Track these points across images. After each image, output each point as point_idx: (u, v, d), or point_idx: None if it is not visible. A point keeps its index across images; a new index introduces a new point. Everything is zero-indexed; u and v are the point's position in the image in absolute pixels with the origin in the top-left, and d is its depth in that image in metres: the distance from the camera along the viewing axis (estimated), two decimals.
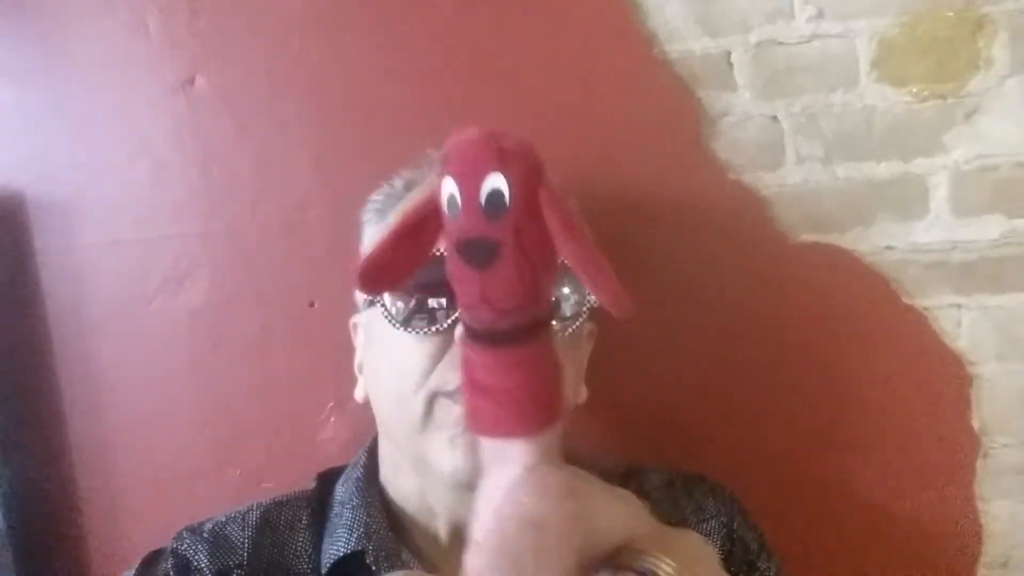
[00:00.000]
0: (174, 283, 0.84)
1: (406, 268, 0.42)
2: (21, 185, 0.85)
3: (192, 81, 0.82)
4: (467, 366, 0.40)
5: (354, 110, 0.80)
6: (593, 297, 0.59)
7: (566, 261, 0.38)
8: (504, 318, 0.37)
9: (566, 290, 0.60)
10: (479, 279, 0.37)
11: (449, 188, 0.37)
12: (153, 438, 0.85)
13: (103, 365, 0.86)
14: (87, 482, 0.86)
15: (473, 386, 0.39)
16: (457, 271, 0.38)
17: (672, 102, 0.74)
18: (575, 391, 0.64)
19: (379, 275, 0.42)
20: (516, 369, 0.38)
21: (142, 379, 0.85)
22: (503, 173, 0.36)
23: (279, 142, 0.82)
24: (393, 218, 0.64)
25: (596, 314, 0.62)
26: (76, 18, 0.83)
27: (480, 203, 0.36)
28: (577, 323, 0.60)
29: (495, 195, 0.36)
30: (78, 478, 0.86)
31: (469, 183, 0.36)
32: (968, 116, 0.71)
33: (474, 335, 0.39)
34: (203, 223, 0.83)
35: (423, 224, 0.40)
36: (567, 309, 0.60)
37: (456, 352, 0.53)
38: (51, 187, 0.85)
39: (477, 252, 0.37)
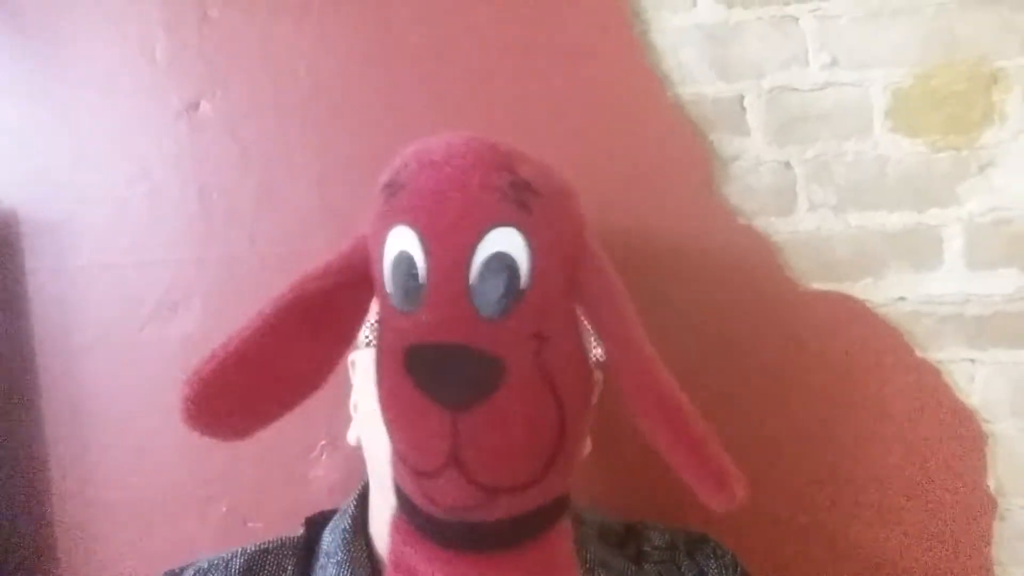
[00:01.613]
0: (166, 310, 0.79)
1: (279, 393, 0.25)
2: (15, 203, 0.81)
3: (196, 106, 0.78)
4: (409, 573, 0.22)
5: (360, 141, 0.76)
6: (601, 350, 0.49)
7: (628, 398, 0.23)
8: (490, 502, 0.20)
9: None
10: (450, 424, 0.20)
11: (401, 245, 0.20)
12: (137, 470, 0.79)
13: (89, 391, 0.80)
14: (65, 513, 0.80)
15: None
16: (407, 401, 0.20)
17: (684, 145, 0.71)
18: (580, 445, 0.58)
19: (219, 405, 0.24)
20: None
21: (129, 408, 0.80)
22: (519, 227, 0.20)
23: (282, 170, 0.78)
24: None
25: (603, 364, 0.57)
26: (84, 39, 0.80)
27: (469, 280, 0.20)
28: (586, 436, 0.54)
29: (501, 267, 0.19)
30: (56, 508, 0.80)
31: (448, 241, 0.19)
32: (982, 168, 0.68)
33: (426, 526, 0.21)
34: (199, 250, 0.78)
35: (325, 306, 0.24)
36: None
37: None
38: (46, 207, 0.81)
39: (452, 376, 0.20)
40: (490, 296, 0.18)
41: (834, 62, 0.69)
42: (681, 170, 0.71)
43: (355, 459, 0.65)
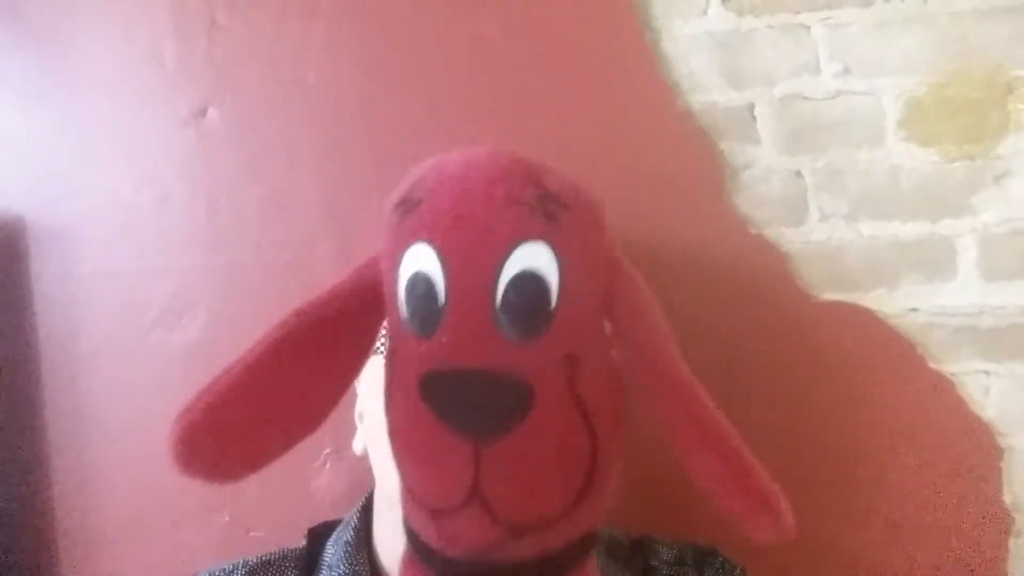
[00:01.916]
0: (172, 317, 0.78)
1: (274, 433, 0.22)
2: (22, 209, 0.80)
3: (204, 113, 0.78)
4: None
5: (368, 149, 0.75)
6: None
7: (664, 420, 0.20)
8: (514, 540, 0.18)
9: None
10: (472, 456, 0.18)
11: (419, 265, 0.19)
12: (140, 478, 0.78)
13: (93, 398, 0.79)
14: (67, 521, 0.79)
15: None
16: (423, 434, 0.19)
17: (694, 154, 0.70)
18: (611, 474, 0.57)
19: (210, 446, 0.22)
20: None
21: (132, 415, 0.79)
22: (548, 242, 0.19)
23: (289, 178, 0.77)
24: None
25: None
26: (92, 44, 0.79)
27: (494, 301, 0.18)
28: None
29: (530, 286, 0.18)
30: (58, 516, 0.79)
31: (471, 259, 0.18)
32: (998, 179, 0.66)
33: (442, 568, 0.19)
34: (205, 257, 0.78)
35: (328, 337, 0.21)
36: None
37: None
38: (52, 213, 0.80)
39: (477, 404, 0.18)
40: (518, 317, 0.16)
41: (846, 70, 0.68)
42: (692, 179, 0.70)
43: (359, 469, 0.64)
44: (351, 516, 0.62)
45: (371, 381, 0.59)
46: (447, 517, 0.18)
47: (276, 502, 0.76)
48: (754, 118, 0.69)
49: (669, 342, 0.21)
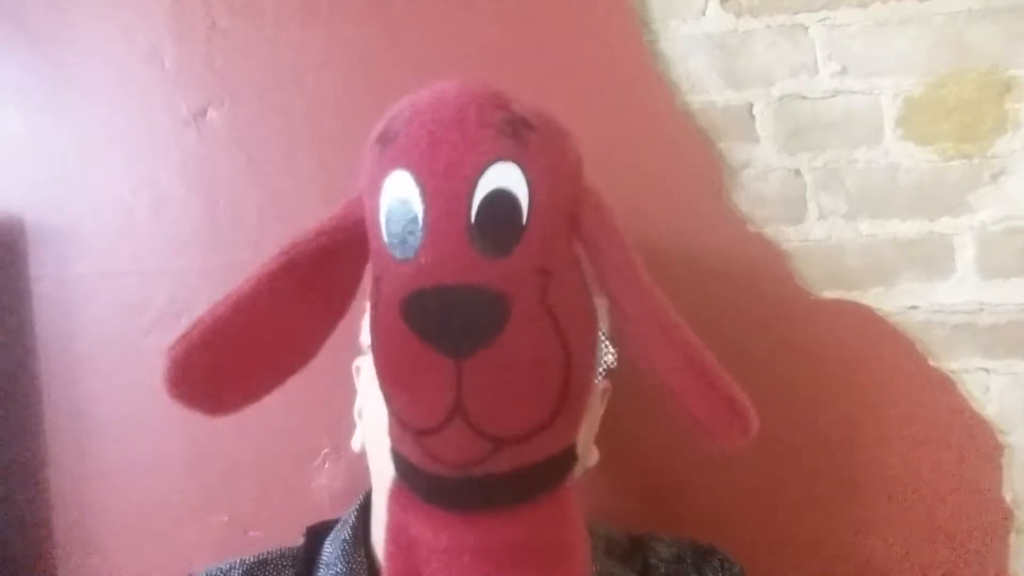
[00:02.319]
0: (170, 318, 0.77)
1: (269, 362, 0.23)
2: (20, 210, 0.79)
3: (204, 114, 0.77)
4: (409, 548, 0.20)
5: None
6: (611, 356, 0.47)
7: (633, 336, 0.21)
8: (496, 453, 0.19)
9: None
10: (454, 373, 0.18)
11: (398, 191, 0.19)
12: (137, 478, 0.77)
13: (91, 399, 0.78)
14: (64, 521, 0.78)
15: None
16: (405, 357, 0.19)
17: (694, 153, 0.70)
18: (585, 455, 0.56)
19: (205, 374, 0.22)
20: (511, 556, 0.19)
21: (131, 416, 0.78)
22: (518, 162, 0.19)
23: (289, 179, 0.76)
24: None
25: (612, 371, 0.55)
26: (91, 46, 0.79)
27: (469, 219, 0.19)
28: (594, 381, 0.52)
29: (502, 203, 0.19)
30: (55, 516, 0.78)
31: (445, 180, 0.19)
32: (995, 177, 0.66)
33: (429, 487, 0.20)
34: (204, 258, 0.77)
35: (318, 271, 0.22)
36: None
37: None
38: (51, 214, 0.79)
39: (457, 318, 0.19)
40: (491, 233, 0.17)
41: (844, 70, 0.68)
42: (691, 178, 0.70)
43: (358, 468, 0.63)
44: (349, 515, 0.61)
45: (370, 379, 0.58)
46: (432, 435, 0.19)
47: (275, 502, 0.75)
48: (753, 117, 0.69)
49: (634, 257, 0.22)
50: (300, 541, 0.61)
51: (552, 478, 0.21)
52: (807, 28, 0.68)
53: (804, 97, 0.68)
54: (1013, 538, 0.66)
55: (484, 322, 0.18)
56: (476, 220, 0.18)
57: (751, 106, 0.69)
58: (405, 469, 0.22)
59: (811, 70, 0.68)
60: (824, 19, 0.68)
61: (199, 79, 0.77)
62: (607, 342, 0.46)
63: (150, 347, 0.77)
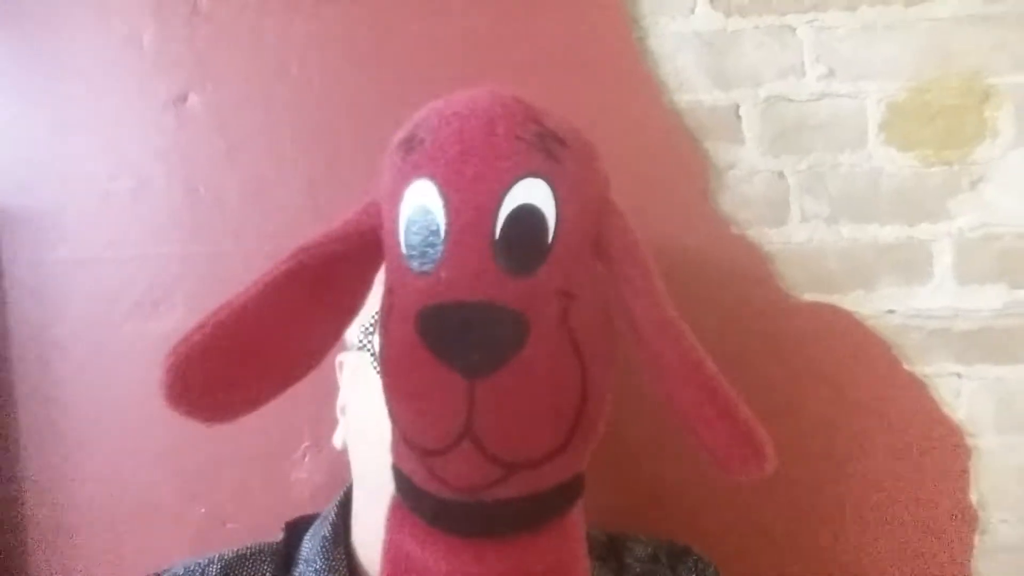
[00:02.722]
0: (148, 306, 0.76)
1: (272, 369, 0.22)
2: None
3: (184, 99, 0.75)
4: (405, 571, 0.20)
5: (351, 139, 0.74)
6: None
7: (650, 363, 0.20)
8: (505, 479, 0.19)
9: None
10: (466, 393, 0.18)
11: (420, 201, 0.19)
12: (113, 470, 0.76)
13: (65, 388, 0.77)
14: (38, 515, 0.76)
15: None
16: (417, 372, 0.19)
17: (680, 152, 0.69)
18: (600, 415, 0.56)
19: (205, 380, 0.21)
20: None
21: (106, 406, 0.76)
22: (547, 179, 0.19)
23: (270, 167, 0.75)
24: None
25: None
26: (68, 28, 0.76)
27: (493, 235, 0.19)
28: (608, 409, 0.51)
29: (528, 220, 0.18)
30: (29, 509, 0.77)
31: (471, 193, 0.18)
32: (973, 184, 0.67)
33: (432, 510, 0.19)
34: (184, 245, 0.75)
35: (327, 276, 0.21)
36: None
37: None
38: (25, 198, 0.77)
39: (473, 337, 0.18)
40: (516, 250, 0.17)
41: (830, 73, 0.68)
42: (676, 178, 0.69)
43: (339, 463, 0.63)
44: (329, 510, 0.61)
45: (353, 375, 0.58)
46: (439, 456, 0.18)
47: (253, 495, 0.74)
48: (739, 118, 0.69)
49: (659, 284, 0.21)
50: (279, 536, 0.61)
51: (560, 506, 0.20)
52: (795, 29, 0.68)
53: (790, 99, 0.68)
54: (978, 538, 0.68)
55: (502, 342, 0.17)
56: (501, 236, 0.17)
57: (738, 107, 0.69)
58: (407, 489, 0.21)
59: (798, 72, 0.68)
60: (812, 21, 0.68)
61: (180, 64, 0.75)
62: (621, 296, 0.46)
63: (127, 336, 0.76)
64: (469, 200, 0.17)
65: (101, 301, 0.76)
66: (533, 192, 0.18)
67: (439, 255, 0.17)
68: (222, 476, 0.75)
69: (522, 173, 0.18)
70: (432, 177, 0.18)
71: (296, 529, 0.61)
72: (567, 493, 0.20)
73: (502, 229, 0.17)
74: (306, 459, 0.74)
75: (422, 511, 0.20)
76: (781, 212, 0.69)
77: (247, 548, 0.59)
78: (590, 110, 0.71)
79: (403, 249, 0.18)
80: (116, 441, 0.76)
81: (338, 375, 0.61)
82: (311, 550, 0.57)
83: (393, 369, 0.20)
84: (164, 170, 0.76)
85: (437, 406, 0.18)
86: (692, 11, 0.69)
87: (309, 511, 0.64)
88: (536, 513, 0.19)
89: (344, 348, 0.60)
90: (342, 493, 0.61)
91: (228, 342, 0.22)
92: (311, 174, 0.74)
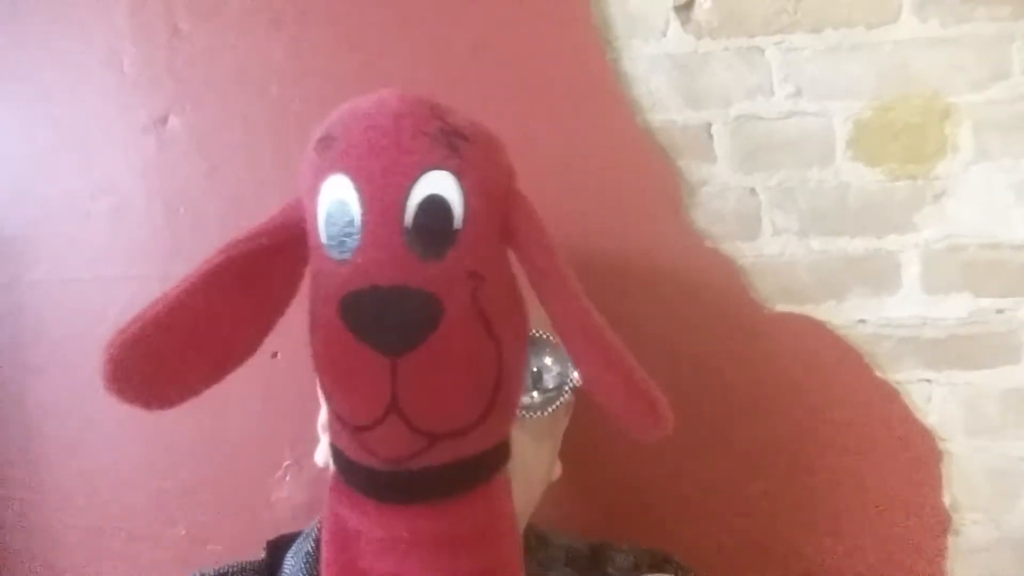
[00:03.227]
0: None
1: (208, 358, 0.23)
2: None
3: (165, 120, 0.76)
4: (347, 540, 0.22)
5: None
6: (577, 373, 0.48)
7: (560, 336, 0.23)
8: (430, 448, 0.21)
9: (547, 360, 0.50)
10: (389, 371, 0.20)
11: (336, 194, 0.21)
12: (92, 492, 0.75)
13: (42, 411, 0.76)
14: (16, 539, 0.75)
15: None
16: (343, 355, 0.21)
17: (654, 170, 0.71)
18: (550, 469, 0.57)
19: (143, 369, 0.23)
20: (444, 547, 0.21)
21: (84, 428, 0.76)
22: (451, 170, 0.21)
23: (251, 188, 0.75)
24: None
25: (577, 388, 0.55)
26: (48, 50, 0.77)
27: (404, 223, 0.20)
28: (560, 400, 0.52)
29: (435, 209, 0.20)
30: (5, 534, 0.75)
31: (382, 186, 0.20)
32: (937, 198, 0.69)
33: (365, 481, 0.22)
34: (164, 266, 0.76)
35: (256, 269, 0.23)
36: (549, 381, 0.51)
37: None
38: (3, 217, 0.77)
39: (392, 318, 0.20)
40: (426, 236, 0.19)
41: (798, 92, 0.70)
42: (652, 194, 0.71)
43: (320, 481, 0.63)
44: (312, 527, 0.60)
45: None
46: (368, 431, 0.20)
47: (235, 515, 0.74)
48: (711, 137, 0.71)
49: (562, 263, 0.24)
50: (261, 555, 0.61)
51: (485, 472, 0.22)
52: (764, 51, 0.70)
53: (760, 118, 0.70)
54: (950, 539, 0.69)
55: (418, 322, 0.19)
56: (412, 224, 0.19)
57: (709, 125, 0.71)
58: (343, 463, 0.23)
59: (767, 92, 0.70)
60: (780, 42, 0.70)
61: (160, 84, 0.76)
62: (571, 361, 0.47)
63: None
64: (380, 192, 0.19)
65: (80, 322, 0.76)
66: (439, 183, 0.20)
67: (356, 243, 0.19)
68: (202, 497, 0.74)
69: (428, 166, 0.20)
70: (346, 172, 0.20)
71: (278, 547, 0.61)
72: (490, 459, 0.22)
73: (413, 218, 0.19)
74: (287, 479, 0.74)
75: (356, 482, 0.21)
76: (753, 226, 0.71)
77: (228, 567, 0.59)
78: (567, 130, 0.72)
79: (323, 239, 0.20)
80: (94, 464, 0.75)
81: (319, 393, 0.61)
82: (294, 567, 0.57)
83: (321, 351, 0.22)
84: (144, 191, 0.76)
85: (363, 385, 0.20)
86: (664, 34, 0.71)
87: (291, 530, 0.63)
88: (461, 479, 0.21)
89: None
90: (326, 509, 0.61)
91: (163, 333, 0.24)
92: (290, 194, 0.75)
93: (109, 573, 0.74)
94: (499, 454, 0.23)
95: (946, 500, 0.69)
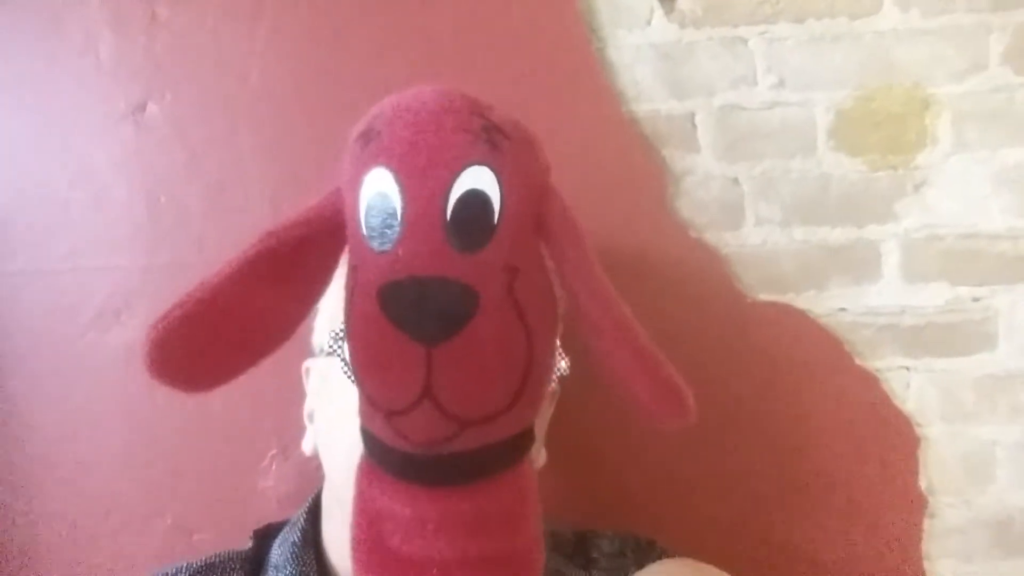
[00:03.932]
0: (109, 317, 0.75)
1: (246, 343, 0.24)
2: None
3: (143, 108, 0.75)
4: (376, 520, 0.23)
5: (314, 148, 0.74)
6: (565, 363, 0.49)
7: (588, 329, 0.23)
8: (461, 433, 0.21)
9: None
10: (424, 359, 0.20)
11: (378, 187, 0.21)
12: (75, 483, 0.75)
13: (22, 402, 0.75)
14: None
15: (385, 561, 0.22)
16: (379, 342, 0.21)
17: (638, 160, 0.71)
18: (535, 456, 0.58)
19: (184, 353, 0.24)
20: (471, 528, 0.22)
21: (66, 419, 0.75)
22: (491, 166, 0.21)
23: (233, 176, 0.75)
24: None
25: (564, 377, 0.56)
26: (24, 37, 0.75)
27: (444, 217, 0.21)
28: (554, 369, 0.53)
29: (475, 203, 0.21)
30: None
31: (424, 180, 0.21)
32: (917, 188, 0.70)
33: (396, 463, 0.22)
34: (145, 256, 0.75)
35: (294, 258, 0.24)
36: None
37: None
38: None
39: (429, 308, 0.21)
40: (464, 230, 0.20)
41: (781, 83, 0.71)
42: (636, 183, 0.71)
43: (306, 470, 0.63)
44: (298, 516, 0.61)
45: (322, 381, 0.58)
46: (402, 416, 0.21)
47: (221, 504, 0.73)
48: (694, 126, 0.72)
49: (593, 258, 0.25)
50: (248, 544, 0.61)
51: (512, 456, 0.23)
52: (747, 41, 0.71)
53: (743, 108, 0.71)
54: (927, 522, 0.71)
55: (455, 312, 0.20)
56: (451, 218, 0.20)
57: (693, 115, 0.71)
58: (374, 446, 0.23)
59: (750, 82, 0.71)
60: (763, 32, 0.71)
61: (138, 72, 0.75)
62: (560, 350, 0.48)
63: (86, 348, 0.75)
64: (422, 186, 0.20)
65: (59, 313, 0.75)
66: (479, 178, 0.21)
67: (397, 235, 0.20)
68: (188, 486, 0.74)
69: (468, 161, 0.21)
70: (388, 166, 0.21)
71: (265, 536, 0.61)
72: (518, 445, 0.23)
73: (452, 212, 0.20)
74: (273, 467, 0.74)
75: (388, 465, 0.22)
76: (736, 216, 0.72)
77: (215, 556, 0.59)
78: (551, 119, 0.72)
79: (364, 231, 0.21)
80: (78, 453, 0.74)
81: (304, 382, 0.61)
82: (280, 556, 0.57)
83: (358, 339, 0.22)
84: (124, 180, 0.75)
85: (398, 371, 0.21)
86: (648, 23, 0.71)
87: (278, 519, 0.64)
88: (491, 463, 0.22)
89: (311, 354, 0.60)
90: (311, 499, 0.61)
91: (204, 318, 0.25)
92: (273, 183, 0.74)
93: (95, 564, 0.73)
94: (526, 439, 0.24)
95: (923, 484, 0.71)
